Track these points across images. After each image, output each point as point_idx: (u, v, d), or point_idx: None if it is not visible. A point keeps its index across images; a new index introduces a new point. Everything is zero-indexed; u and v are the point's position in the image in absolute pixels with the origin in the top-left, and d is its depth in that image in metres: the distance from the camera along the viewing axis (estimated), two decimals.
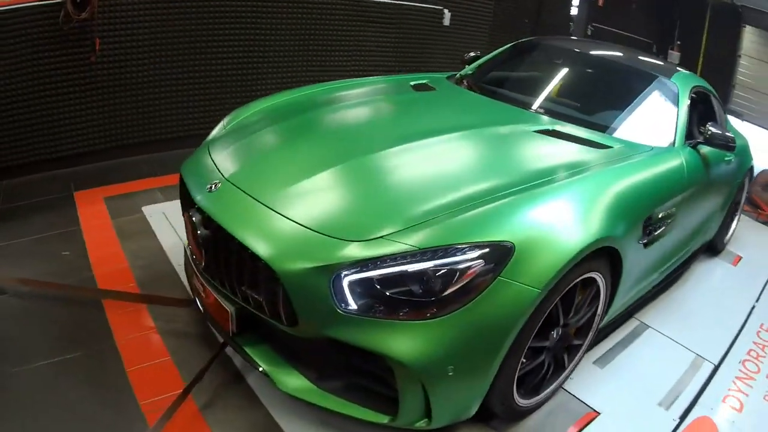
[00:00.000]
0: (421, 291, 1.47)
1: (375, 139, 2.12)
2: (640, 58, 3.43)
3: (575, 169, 2.02)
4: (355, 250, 1.50)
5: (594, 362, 2.38)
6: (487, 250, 1.51)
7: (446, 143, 2.13)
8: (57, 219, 2.96)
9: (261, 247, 1.55)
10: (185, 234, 2.05)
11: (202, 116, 4.11)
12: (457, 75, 3.30)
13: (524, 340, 1.65)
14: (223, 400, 1.87)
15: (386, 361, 1.51)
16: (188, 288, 2.45)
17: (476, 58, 3.54)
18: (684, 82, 2.92)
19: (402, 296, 1.48)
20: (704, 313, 2.96)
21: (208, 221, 1.76)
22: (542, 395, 2.01)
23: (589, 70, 3.18)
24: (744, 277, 3.49)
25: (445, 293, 1.47)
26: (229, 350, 2.07)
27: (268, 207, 1.69)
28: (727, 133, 2.63)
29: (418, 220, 1.58)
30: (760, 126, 8.37)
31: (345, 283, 1.49)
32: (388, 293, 1.48)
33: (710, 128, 2.64)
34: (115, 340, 2.11)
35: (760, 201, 4.84)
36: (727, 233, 3.78)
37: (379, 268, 1.48)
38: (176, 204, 3.23)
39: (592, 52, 3.32)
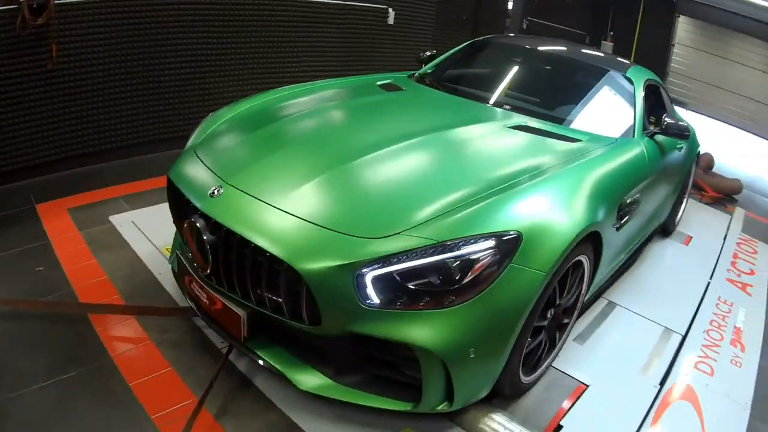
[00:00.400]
0: (439, 281, 1.58)
1: (368, 139, 2.19)
2: (596, 54, 3.68)
3: (558, 161, 2.19)
4: (377, 247, 1.58)
5: (574, 339, 2.57)
6: (498, 239, 1.63)
7: (436, 141, 2.24)
8: (23, 234, 2.83)
9: (280, 249, 1.60)
10: (171, 241, 2.03)
11: (160, 123, 4.03)
12: (416, 74, 3.41)
13: (531, 321, 1.80)
14: (236, 407, 1.90)
15: (410, 349, 1.60)
16: (175, 296, 2.46)
17: (433, 56, 3.65)
18: (638, 77, 3.18)
19: (422, 287, 1.58)
20: (665, 289, 3.23)
21: (214, 227, 1.77)
22: (539, 372, 2.18)
23: (549, 67, 3.39)
24: (696, 256, 3.83)
25: (463, 282, 1.58)
26: (231, 355, 2.09)
27: (279, 209, 1.73)
28: (680, 123, 2.90)
29: (430, 216, 1.68)
30: (694, 111, 9.08)
31: (368, 278, 1.56)
32: (409, 285, 1.58)
33: (666, 119, 2.91)
34: (110, 355, 2.07)
35: (703, 183, 5.29)
36: (677, 215, 4.12)
37: (401, 263, 1.57)
38: (144, 212, 3.23)
39: (550, 50, 3.53)
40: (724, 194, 5.31)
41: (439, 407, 1.72)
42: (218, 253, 1.76)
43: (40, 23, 2.94)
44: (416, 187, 1.87)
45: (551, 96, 3.08)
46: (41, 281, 2.48)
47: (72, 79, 3.40)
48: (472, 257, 1.59)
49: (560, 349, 2.38)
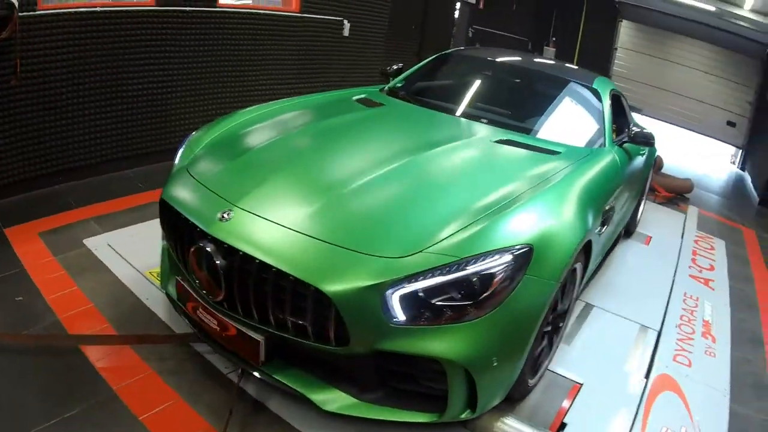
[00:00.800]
0: (460, 296, 1.67)
1: (370, 158, 2.25)
2: (563, 65, 3.89)
3: (547, 174, 2.32)
4: (404, 266, 1.65)
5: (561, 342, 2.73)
6: (515, 253, 1.74)
7: (434, 159, 2.31)
8: None
9: (307, 273, 1.63)
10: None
11: (122, 141, 3.91)
12: (386, 88, 3.47)
13: (541, 327, 1.91)
14: (254, 431, 1.90)
15: (433, 362, 1.68)
16: (168, 321, 2.41)
17: (400, 71, 3.69)
18: (604, 88, 3.40)
19: (444, 303, 1.66)
20: (634, 289, 3.47)
21: (227, 251, 1.77)
22: (539, 374, 2.31)
23: (519, 80, 3.55)
24: (657, 255, 4.12)
25: (483, 295, 1.68)
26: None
27: (297, 231, 1.75)
28: (645, 131, 3.14)
29: (448, 233, 1.76)
30: (635, 112, 9.65)
31: (395, 297, 1.63)
32: (432, 302, 1.65)
33: (633, 128, 3.15)
34: (111, 388, 2.02)
35: (655, 184, 5.66)
36: (637, 217, 4.41)
37: (426, 280, 1.64)
38: (118, 234, 3.15)
39: (519, 63, 3.70)
40: (677, 193, 5.72)
41: (463, 415, 1.81)
42: (232, 279, 1.76)
43: (3, 37, 2.80)
44: (429, 204, 1.94)
45: (525, 109, 3.24)
46: (22, 312, 2.37)
47: (34, 95, 3.25)
48: (491, 272, 1.69)
49: (555, 352, 2.52)
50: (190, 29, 4.06)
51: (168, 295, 2.29)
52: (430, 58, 3.82)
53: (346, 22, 5.43)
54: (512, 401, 2.19)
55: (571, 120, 3.20)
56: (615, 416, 2.27)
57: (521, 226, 1.87)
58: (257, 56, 4.68)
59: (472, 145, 2.57)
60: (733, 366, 2.79)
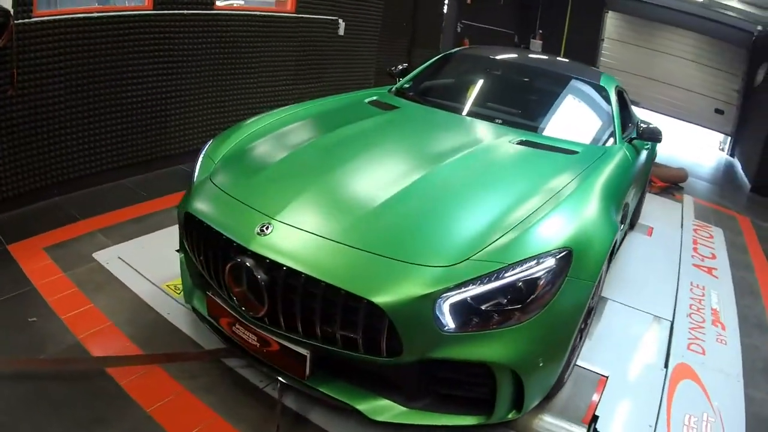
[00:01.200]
0: (507, 301, 1.71)
1: (402, 166, 2.27)
2: (568, 63, 3.93)
3: (571, 175, 2.36)
4: (454, 274, 1.68)
5: None
6: (557, 257, 1.78)
7: (465, 164, 2.33)
8: (2, 281, 2.61)
9: (357, 286, 1.64)
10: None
11: (120, 150, 3.85)
12: (394, 88, 3.48)
13: (579, 326, 1.96)
14: None
15: (479, 366, 1.72)
16: (195, 336, 2.38)
17: (406, 71, 3.71)
18: (609, 84, 3.46)
19: (492, 308, 1.70)
20: (642, 279, 3.55)
21: (270, 267, 1.75)
22: (569, 370, 2.36)
23: (527, 80, 3.59)
24: (660, 246, 4.22)
25: (529, 299, 1.72)
26: (276, 391, 2.08)
27: (341, 243, 1.76)
28: (652, 126, 3.20)
29: (492, 239, 1.80)
30: (634, 105, 9.82)
31: (446, 306, 1.66)
32: (481, 308, 1.69)
33: (641, 124, 3.21)
34: (145, 411, 1.99)
35: (651, 175, 5.77)
36: (641, 209, 4.50)
37: (475, 287, 1.68)
38: (127, 246, 3.11)
39: (526, 62, 3.73)
40: (671, 183, 5.85)
41: (510, 415, 1.85)
42: (276, 294, 1.75)
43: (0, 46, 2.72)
44: (465, 212, 1.97)
45: (536, 108, 3.29)
46: (37, 333, 2.31)
47: (30, 105, 3.16)
48: (535, 276, 1.73)
49: (582, 347, 2.58)
50: (188, 33, 4.01)
51: (195, 310, 2.26)
52: (436, 58, 3.83)
53: (341, 21, 5.42)
54: (547, 398, 2.24)
55: (583, 118, 3.25)
56: (641, 406, 2.35)
57: (558, 230, 1.91)
58: (255, 58, 4.65)
59: (494, 149, 2.59)
60: (744, 352, 2.90)
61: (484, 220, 1.90)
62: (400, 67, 3.77)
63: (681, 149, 8.75)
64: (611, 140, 3.03)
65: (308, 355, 1.79)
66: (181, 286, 2.59)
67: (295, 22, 4.91)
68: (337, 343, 1.74)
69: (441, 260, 1.72)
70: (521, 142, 2.68)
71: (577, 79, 3.45)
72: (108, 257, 2.92)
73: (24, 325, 2.36)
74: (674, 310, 3.22)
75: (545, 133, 2.94)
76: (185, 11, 3.88)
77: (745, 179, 7.31)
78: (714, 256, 4.17)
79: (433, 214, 1.95)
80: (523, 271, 1.73)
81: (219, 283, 1.97)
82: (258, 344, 1.91)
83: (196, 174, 2.36)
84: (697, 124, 9.63)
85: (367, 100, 3.16)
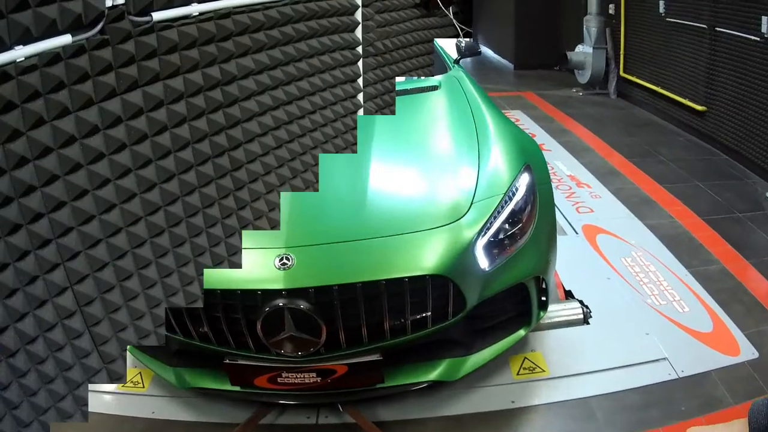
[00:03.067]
0: (508, 225, 2.08)
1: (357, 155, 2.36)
2: None
3: (461, 106, 2.79)
4: (472, 221, 1.99)
5: None
6: (526, 174, 2.24)
7: (402, 136, 2.59)
8: None
9: (414, 267, 1.82)
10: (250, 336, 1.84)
11: None
12: None
13: None
14: None
15: (519, 285, 2.07)
16: (204, 418, 2.18)
17: None
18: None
19: (503, 236, 2.05)
20: None
21: (316, 294, 1.76)
22: None
23: None
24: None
25: (525, 214, 2.12)
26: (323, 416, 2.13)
27: (369, 238, 1.91)
28: (468, 41, 3.74)
29: (476, 181, 2.17)
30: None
31: (478, 250, 1.96)
32: (499, 238, 2.03)
33: (458, 43, 3.72)
34: None
35: None
36: None
37: (492, 225, 2.02)
38: None
39: None
40: None
41: (542, 315, 2.24)
42: (334, 317, 1.78)
43: None
44: (441, 169, 2.29)
45: None
46: None
47: None
48: (522, 194, 2.14)
49: None
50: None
51: (200, 389, 2.08)
52: None
53: None
54: None
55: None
56: (589, 269, 2.98)
57: (510, 152, 2.34)
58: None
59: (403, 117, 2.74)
60: (616, 195, 3.79)
61: (457, 170, 2.24)
62: None
63: None
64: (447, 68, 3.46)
65: (381, 359, 1.88)
66: (138, 380, 2.35)
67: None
68: (407, 331, 1.88)
69: (457, 214, 2.01)
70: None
71: None
72: None
73: None
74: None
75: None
76: None
77: (505, 61, 8.79)
78: (534, 135, 5.09)
79: (419, 182, 2.23)
80: (515, 194, 2.13)
81: (238, 343, 1.89)
82: (318, 379, 1.90)
83: None
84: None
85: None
